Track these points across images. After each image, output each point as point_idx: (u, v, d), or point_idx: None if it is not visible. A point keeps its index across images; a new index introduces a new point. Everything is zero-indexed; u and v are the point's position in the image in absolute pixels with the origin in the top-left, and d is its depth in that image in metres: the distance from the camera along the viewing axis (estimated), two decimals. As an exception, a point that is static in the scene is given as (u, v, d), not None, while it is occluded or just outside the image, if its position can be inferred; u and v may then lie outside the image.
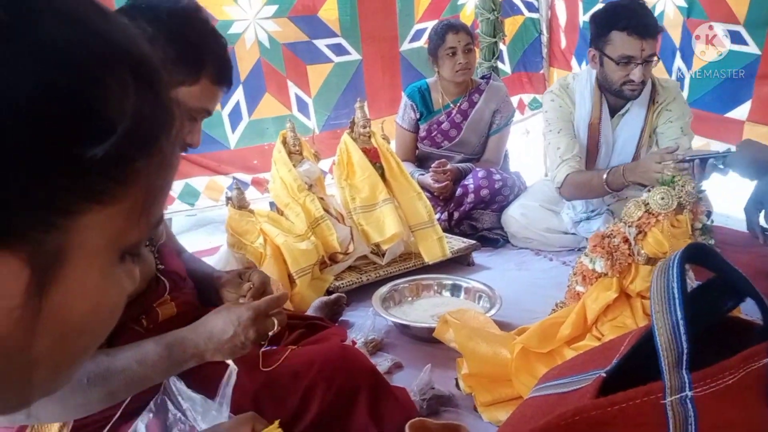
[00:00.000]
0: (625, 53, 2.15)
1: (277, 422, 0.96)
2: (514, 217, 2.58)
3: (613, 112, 2.36)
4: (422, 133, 2.94)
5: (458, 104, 2.89)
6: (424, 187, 2.63)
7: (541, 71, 4.10)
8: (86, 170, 0.34)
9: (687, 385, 0.78)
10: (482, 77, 3.00)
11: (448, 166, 2.73)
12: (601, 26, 2.20)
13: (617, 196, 2.44)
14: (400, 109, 3.00)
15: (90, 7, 0.37)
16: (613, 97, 2.31)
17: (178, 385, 1.15)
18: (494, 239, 2.66)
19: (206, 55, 1.12)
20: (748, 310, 1.02)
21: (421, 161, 2.97)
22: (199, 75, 1.11)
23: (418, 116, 2.94)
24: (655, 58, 2.19)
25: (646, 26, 2.12)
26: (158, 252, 1.23)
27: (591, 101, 2.33)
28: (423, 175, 2.77)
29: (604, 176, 2.23)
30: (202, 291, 1.33)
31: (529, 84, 4.11)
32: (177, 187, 3.05)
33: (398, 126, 3.00)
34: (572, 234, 2.55)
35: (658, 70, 2.66)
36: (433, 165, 2.72)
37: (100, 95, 0.35)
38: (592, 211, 2.50)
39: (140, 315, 1.16)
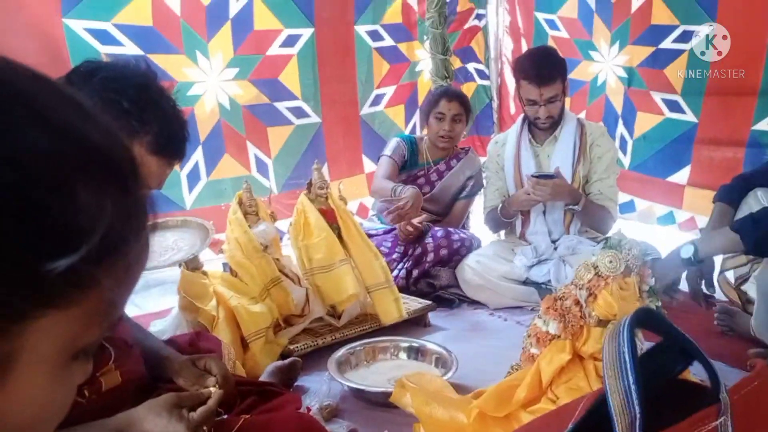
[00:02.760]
0: (528, 97, 2.56)
1: None
2: (469, 265, 2.65)
3: (542, 141, 2.71)
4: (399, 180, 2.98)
5: (437, 164, 3.00)
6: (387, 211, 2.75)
7: (492, 135, 4.22)
8: (46, 279, 0.33)
9: (641, 451, 0.78)
10: (462, 149, 3.12)
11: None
12: (515, 75, 2.62)
13: (572, 249, 2.59)
14: (389, 146, 3.04)
15: (72, 108, 0.36)
16: (536, 129, 2.71)
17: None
18: (450, 299, 2.66)
19: (141, 123, 1.07)
20: (698, 372, 1.03)
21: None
22: (130, 143, 1.06)
23: (405, 159, 3.00)
24: (560, 98, 2.57)
25: (541, 76, 2.49)
26: (103, 318, 1.17)
27: (515, 137, 2.73)
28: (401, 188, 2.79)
29: (498, 210, 2.74)
30: (148, 366, 1.28)
31: (482, 147, 4.22)
32: (129, 247, 2.97)
33: (387, 158, 3.00)
34: (524, 285, 2.60)
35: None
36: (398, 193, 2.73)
37: (70, 209, 0.33)
38: (542, 255, 2.62)
39: (82, 385, 1.09)
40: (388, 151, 3.06)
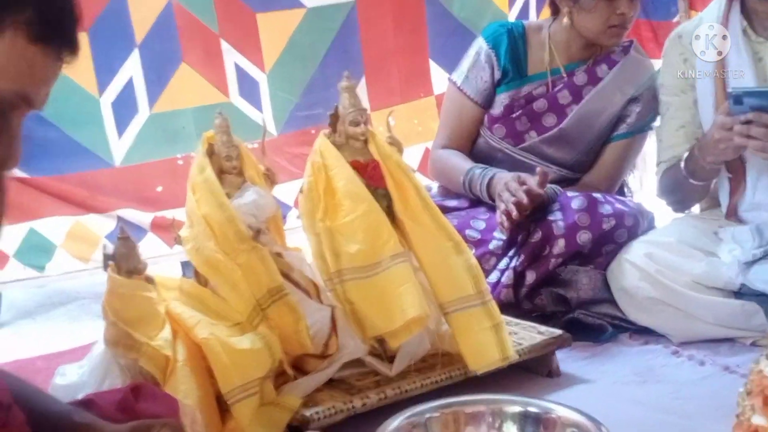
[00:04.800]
0: None
1: None
2: (634, 261, 2.64)
3: None
4: (495, 110, 2.98)
5: (571, 74, 2.97)
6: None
7: (675, 19, 4.13)
8: None
9: None
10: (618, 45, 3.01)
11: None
12: None
13: None
14: (465, 59, 3.05)
15: None
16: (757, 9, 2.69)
17: None
18: (597, 326, 2.66)
19: None
20: None
21: (479, 161, 2.97)
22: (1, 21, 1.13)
23: (497, 77, 2.98)
24: None
25: None
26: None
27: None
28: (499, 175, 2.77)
29: (682, 165, 2.73)
30: None
31: (655, 42, 4.14)
32: (15, 237, 3.05)
33: (455, 88, 3.04)
34: (738, 299, 2.58)
35: None
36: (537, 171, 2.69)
37: None
38: None
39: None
40: (458, 75, 3.04)
